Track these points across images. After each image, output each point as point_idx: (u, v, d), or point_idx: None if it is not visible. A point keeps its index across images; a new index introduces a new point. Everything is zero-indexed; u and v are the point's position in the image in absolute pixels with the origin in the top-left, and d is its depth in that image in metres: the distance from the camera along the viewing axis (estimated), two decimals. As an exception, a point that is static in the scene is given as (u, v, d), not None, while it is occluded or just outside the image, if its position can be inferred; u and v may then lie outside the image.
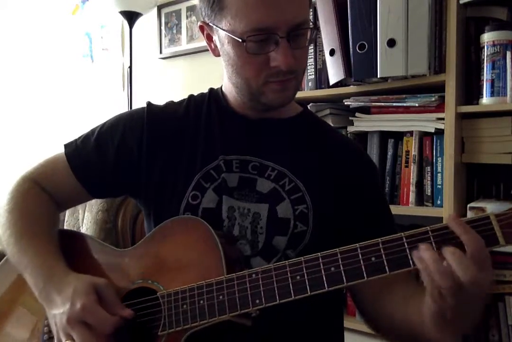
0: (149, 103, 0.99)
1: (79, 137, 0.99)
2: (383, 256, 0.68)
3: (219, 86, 1.00)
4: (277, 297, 0.71)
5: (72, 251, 0.93)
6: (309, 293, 0.70)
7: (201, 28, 0.89)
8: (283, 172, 0.90)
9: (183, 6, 2.39)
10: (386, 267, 0.68)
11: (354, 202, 0.91)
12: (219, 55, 0.89)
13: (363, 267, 0.68)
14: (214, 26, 0.84)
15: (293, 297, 0.71)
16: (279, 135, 0.93)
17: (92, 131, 0.98)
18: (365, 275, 0.68)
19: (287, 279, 0.71)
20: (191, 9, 2.37)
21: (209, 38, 0.89)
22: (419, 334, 0.75)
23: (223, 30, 0.82)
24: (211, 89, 1.01)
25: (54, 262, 0.86)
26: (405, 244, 0.67)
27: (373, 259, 0.68)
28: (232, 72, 0.86)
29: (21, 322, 0.94)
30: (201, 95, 1.00)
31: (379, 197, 0.99)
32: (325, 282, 0.70)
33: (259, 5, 0.77)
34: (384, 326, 0.89)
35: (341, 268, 0.69)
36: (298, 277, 0.71)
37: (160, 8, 2.46)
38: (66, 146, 0.98)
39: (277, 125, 0.94)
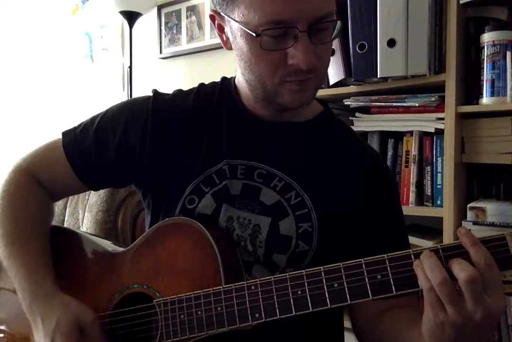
0: (155, 93, 0.92)
1: (79, 126, 0.93)
2: (390, 274, 0.64)
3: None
4: (277, 312, 0.68)
5: (65, 250, 0.90)
6: (310, 309, 0.67)
7: (212, 18, 0.81)
8: (290, 184, 0.83)
9: (183, 6, 2.39)
10: (393, 286, 0.64)
11: (365, 222, 0.85)
12: (231, 49, 0.81)
13: (368, 284, 0.64)
14: (226, 17, 0.76)
15: (294, 313, 0.68)
16: (291, 142, 0.86)
17: (92, 120, 0.92)
18: (370, 293, 0.64)
19: (288, 294, 0.68)
20: (191, 9, 2.36)
21: (221, 29, 0.81)
22: None
23: (236, 21, 0.73)
24: (223, 80, 0.93)
25: (41, 277, 0.82)
26: (414, 262, 0.63)
27: (378, 276, 0.64)
28: (245, 69, 0.78)
29: None
30: (212, 85, 0.92)
31: (395, 216, 0.91)
32: (327, 299, 0.66)
33: None
34: None
35: (345, 285, 0.66)
36: (299, 292, 0.68)
37: (160, 8, 2.46)
38: (64, 135, 0.92)
39: (291, 130, 0.86)
